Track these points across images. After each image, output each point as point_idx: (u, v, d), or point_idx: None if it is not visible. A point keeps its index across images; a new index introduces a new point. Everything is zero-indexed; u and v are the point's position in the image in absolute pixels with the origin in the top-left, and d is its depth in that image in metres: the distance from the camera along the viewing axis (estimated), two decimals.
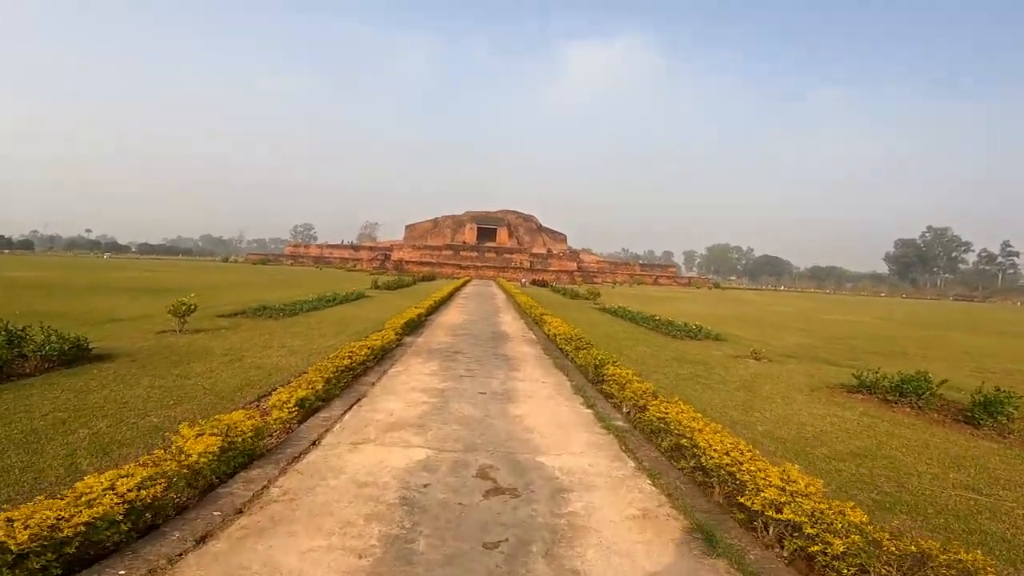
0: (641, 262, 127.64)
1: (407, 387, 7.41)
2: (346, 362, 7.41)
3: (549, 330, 12.91)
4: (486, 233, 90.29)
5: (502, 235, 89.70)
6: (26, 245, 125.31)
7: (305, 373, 6.87)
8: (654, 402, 6.00)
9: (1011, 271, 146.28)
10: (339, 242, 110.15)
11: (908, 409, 7.73)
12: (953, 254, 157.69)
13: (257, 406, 6.17)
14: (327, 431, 5.49)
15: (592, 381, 8.31)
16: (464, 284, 44.39)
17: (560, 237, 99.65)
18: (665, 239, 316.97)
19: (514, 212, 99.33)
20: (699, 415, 5.35)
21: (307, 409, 5.94)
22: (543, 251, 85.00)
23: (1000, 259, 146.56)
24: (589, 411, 6.65)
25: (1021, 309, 69.45)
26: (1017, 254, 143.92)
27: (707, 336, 15.59)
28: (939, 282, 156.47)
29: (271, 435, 5.25)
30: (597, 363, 8.09)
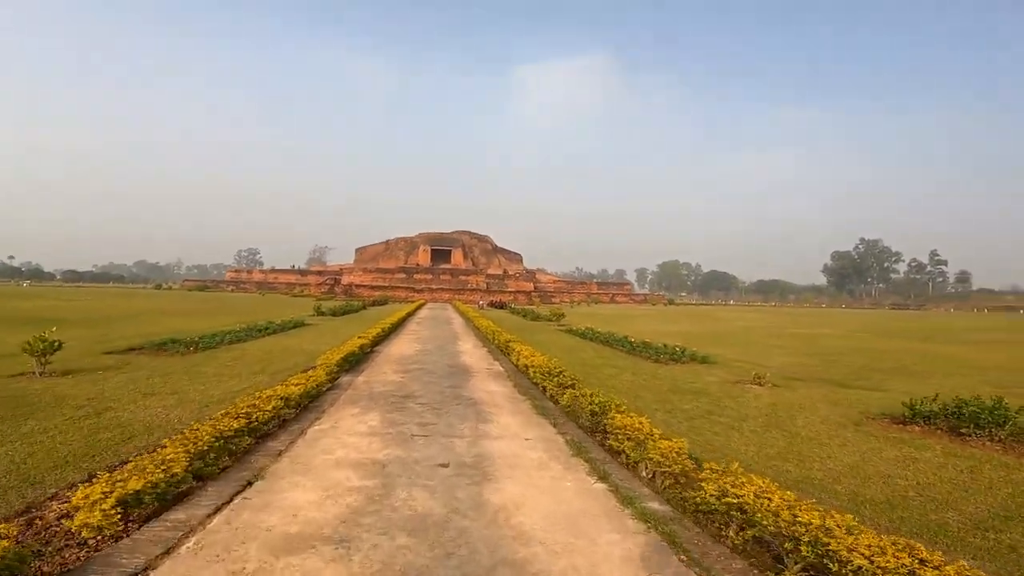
0: (597, 280, 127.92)
1: (331, 458, 5.11)
2: (237, 424, 5.05)
3: (519, 360, 10.80)
4: (440, 255, 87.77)
5: (457, 256, 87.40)
6: None
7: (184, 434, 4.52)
8: (707, 472, 3.98)
9: (940, 279, 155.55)
10: (286, 267, 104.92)
11: (989, 443, 6.07)
12: (885, 264, 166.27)
13: (66, 500, 3.75)
14: (166, 556, 3.18)
15: (589, 430, 6.24)
16: (418, 308, 41.76)
17: (516, 257, 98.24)
18: (617, 257, 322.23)
19: (468, 233, 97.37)
20: (787, 492, 3.38)
21: (146, 507, 3.61)
22: (499, 272, 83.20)
23: (929, 268, 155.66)
24: (603, 486, 4.55)
25: (956, 315, 72.60)
26: (945, 263, 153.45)
27: (692, 358, 13.90)
28: (873, 292, 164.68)
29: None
30: (596, 410, 6.03)
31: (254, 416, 5.44)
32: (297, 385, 6.99)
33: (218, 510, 3.97)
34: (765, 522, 3.22)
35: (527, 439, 5.81)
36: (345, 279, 79.45)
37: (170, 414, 6.71)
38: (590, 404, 6.19)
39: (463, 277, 77.38)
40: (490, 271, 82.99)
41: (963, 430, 6.30)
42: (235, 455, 5.01)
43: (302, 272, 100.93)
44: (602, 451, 5.57)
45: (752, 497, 3.42)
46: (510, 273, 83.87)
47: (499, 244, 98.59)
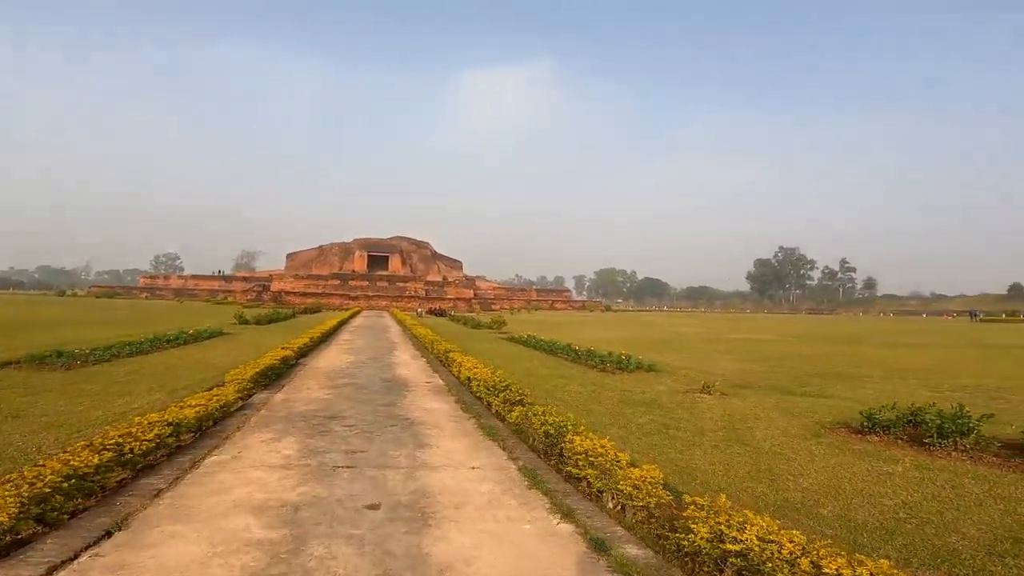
0: (536, 288, 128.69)
1: (227, 500, 4.09)
2: (99, 458, 3.94)
3: (461, 372, 9.96)
4: (377, 261, 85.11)
5: (395, 263, 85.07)
6: None
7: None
8: (692, 509, 3.34)
9: (849, 285, 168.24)
10: (210, 273, 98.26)
11: (955, 453, 5.87)
12: (801, 271, 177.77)
13: None
14: None
15: (543, 453, 5.51)
16: (353, 316, 39.84)
17: (456, 264, 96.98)
18: (556, 265, 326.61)
19: (407, 239, 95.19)
20: (795, 533, 2.78)
21: None
22: (439, 279, 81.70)
23: (840, 275, 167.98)
24: (570, 527, 3.81)
25: (866, 319, 78.35)
26: (854, 270, 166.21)
27: (639, 366, 13.56)
28: (791, 297, 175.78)
29: None
30: (551, 431, 5.31)
31: (127, 447, 4.32)
32: (195, 407, 5.84)
33: (52, 572, 2.92)
34: (779, 575, 2.58)
35: (474, 467, 4.98)
36: (275, 286, 75.31)
37: (29, 442, 5.41)
38: (543, 424, 5.46)
39: (401, 284, 75.31)
40: (429, 278, 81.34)
41: (926, 440, 6.08)
42: (98, 495, 3.90)
43: (227, 278, 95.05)
44: (560, 478, 4.85)
45: (756, 542, 2.79)
46: (450, 280, 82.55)
47: (439, 251, 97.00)
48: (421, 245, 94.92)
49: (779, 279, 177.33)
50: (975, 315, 69.68)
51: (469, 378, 9.52)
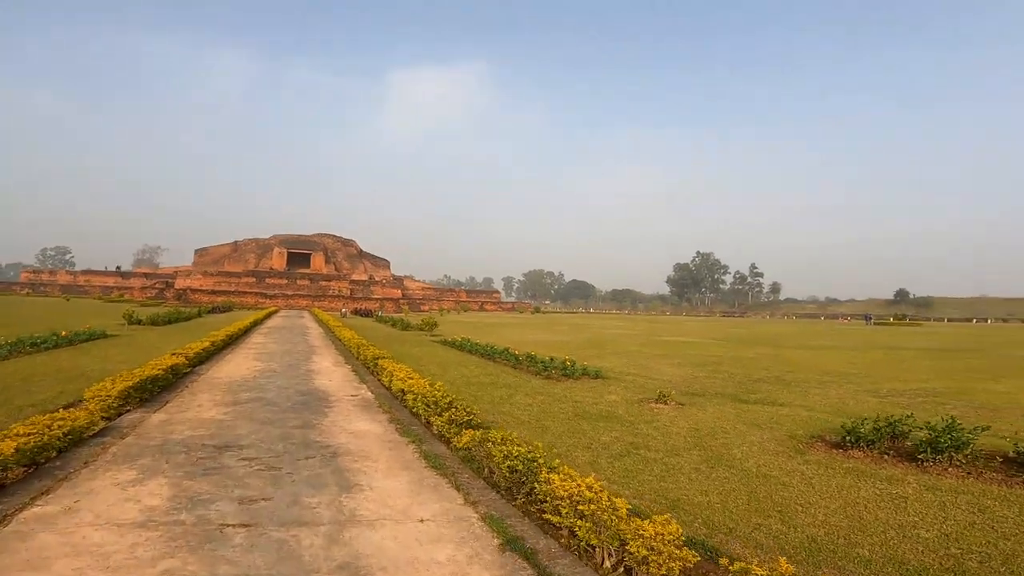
0: (466, 288, 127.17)
1: None
2: None
3: (393, 383, 8.59)
4: (299, 259, 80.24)
5: (317, 261, 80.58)
6: None
7: None
8: None
9: (757, 289, 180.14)
10: (105, 268, 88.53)
11: (952, 468, 5.35)
12: (716, 276, 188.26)
13: None
14: None
15: (507, 491, 4.37)
16: (268, 316, 36.70)
17: (383, 263, 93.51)
18: (484, 266, 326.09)
19: (332, 236, 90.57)
20: None
21: None
22: (365, 278, 78.30)
23: (749, 279, 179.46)
24: None
25: (773, 322, 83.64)
26: (762, 275, 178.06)
27: (584, 373, 12.75)
28: (706, 300, 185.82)
29: None
30: (518, 466, 4.17)
31: None
32: (24, 436, 4.17)
33: None
34: None
35: (424, 520, 3.71)
36: (180, 283, 69.01)
37: None
38: (507, 458, 4.31)
39: (324, 283, 71.35)
40: (355, 277, 77.74)
41: (920, 455, 5.53)
42: None
43: (124, 274, 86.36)
44: (534, 527, 3.72)
45: None
46: (377, 279, 79.36)
47: (365, 249, 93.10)
48: (346, 243, 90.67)
49: (696, 283, 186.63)
50: (869, 319, 76.10)
51: (403, 390, 8.19)
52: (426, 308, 72.76)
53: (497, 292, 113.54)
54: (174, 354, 9.92)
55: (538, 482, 3.93)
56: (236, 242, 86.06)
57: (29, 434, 4.30)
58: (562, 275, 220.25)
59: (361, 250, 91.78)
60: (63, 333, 14.62)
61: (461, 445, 5.39)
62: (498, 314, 72.00)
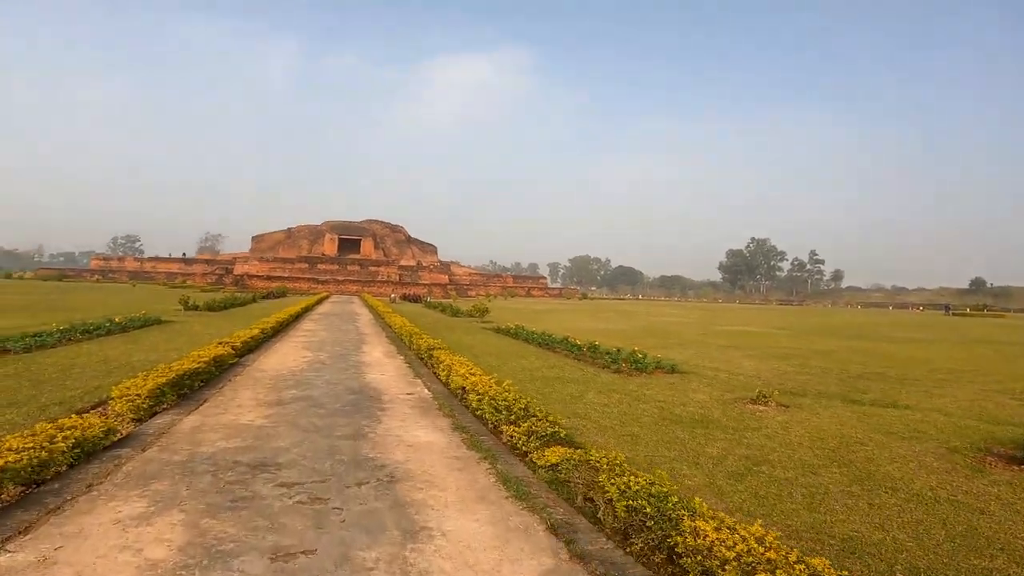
0: (512, 274, 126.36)
1: None
2: None
3: (452, 379, 7.59)
4: (349, 244, 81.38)
5: (367, 247, 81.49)
6: None
7: None
8: None
9: (817, 277, 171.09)
10: (169, 255, 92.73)
11: None
12: (772, 263, 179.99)
13: None
14: None
15: (622, 534, 3.24)
16: (320, 301, 36.87)
17: (430, 249, 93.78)
18: (529, 252, 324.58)
19: (380, 222, 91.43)
20: None
21: None
22: (413, 263, 78.61)
23: (808, 267, 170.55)
24: None
25: (838, 311, 78.77)
26: (822, 262, 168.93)
27: (657, 366, 11.46)
28: (762, 288, 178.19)
29: None
30: (650, 509, 3.02)
31: None
32: (14, 453, 3.36)
33: None
34: None
35: None
36: (238, 269, 71.20)
37: None
38: (625, 494, 3.16)
39: (373, 268, 72.04)
40: (403, 262, 78.18)
41: None
42: None
43: (187, 261, 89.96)
44: None
45: None
46: (424, 265, 79.55)
47: (413, 235, 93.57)
48: (395, 229, 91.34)
49: (750, 269, 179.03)
50: (948, 309, 70.42)
51: (464, 388, 7.18)
52: (473, 294, 72.38)
53: (544, 278, 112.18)
54: (220, 343, 9.29)
55: (679, 532, 2.78)
56: (290, 229, 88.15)
57: (24, 449, 3.48)
58: (608, 261, 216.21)
59: (409, 236, 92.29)
60: (117, 319, 14.48)
61: (545, 464, 4.30)
62: (545, 300, 70.74)
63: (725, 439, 6.02)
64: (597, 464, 3.63)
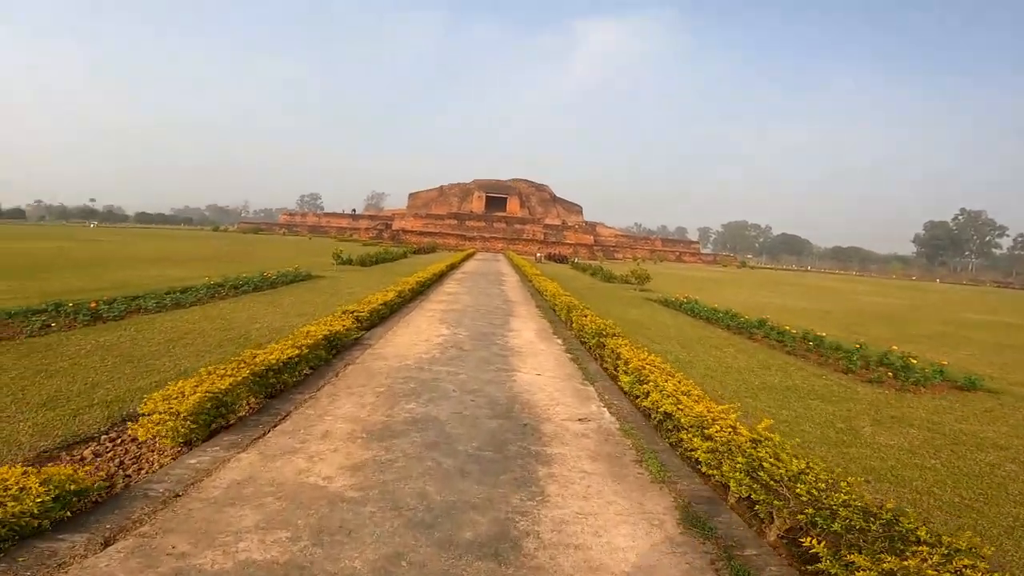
0: (661, 237, 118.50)
1: None
2: None
3: (653, 396, 4.80)
4: (495, 202, 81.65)
5: (512, 205, 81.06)
6: (16, 214, 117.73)
7: None
8: None
9: None
10: (342, 211, 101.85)
11: None
12: (987, 238, 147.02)
13: None
14: None
15: None
16: (466, 258, 36.27)
17: (575, 208, 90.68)
18: (677, 215, 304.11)
19: (526, 181, 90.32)
20: None
21: None
22: (557, 222, 76.48)
23: None
24: None
25: None
26: None
27: (942, 377, 7.63)
28: (971, 266, 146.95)
29: None
30: None
31: None
32: None
33: None
34: None
35: None
36: (396, 224, 75.23)
37: None
38: None
39: (519, 226, 71.27)
40: (548, 221, 76.41)
41: None
42: None
43: (354, 217, 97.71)
44: None
45: None
46: (569, 224, 76.98)
47: (558, 195, 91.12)
48: (540, 188, 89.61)
49: (956, 245, 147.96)
50: None
51: (668, 414, 4.43)
52: (619, 256, 68.32)
53: (695, 242, 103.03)
54: (344, 312, 7.58)
55: None
56: (442, 187, 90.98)
57: None
58: (769, 228, 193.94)
59: (554, 195, 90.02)
60: (268, 274, 14.04)
61: None
62: (698, 266, 64.03)
63: None
64: None
